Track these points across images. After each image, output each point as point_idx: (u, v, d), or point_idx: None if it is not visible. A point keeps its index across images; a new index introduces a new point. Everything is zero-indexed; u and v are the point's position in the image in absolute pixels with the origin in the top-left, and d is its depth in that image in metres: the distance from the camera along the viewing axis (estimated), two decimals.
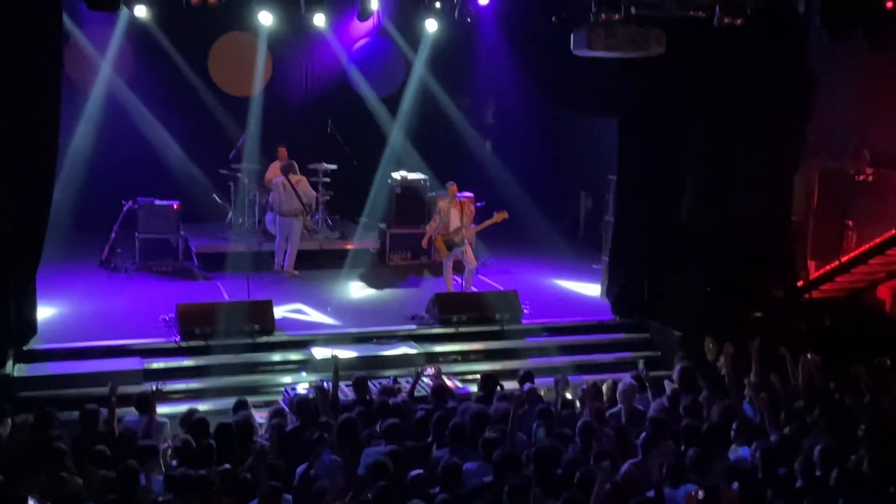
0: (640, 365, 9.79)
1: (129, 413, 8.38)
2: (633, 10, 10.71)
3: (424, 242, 13.18)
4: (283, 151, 14.51)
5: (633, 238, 12.51)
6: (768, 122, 11.84)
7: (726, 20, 10.91)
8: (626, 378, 9.05)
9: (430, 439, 7.71)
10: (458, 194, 13.24)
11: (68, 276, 12.83)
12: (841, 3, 9.36)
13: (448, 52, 15.47)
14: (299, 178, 13.77)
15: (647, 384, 9.04)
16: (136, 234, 13.76)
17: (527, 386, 8.97)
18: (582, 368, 11.29)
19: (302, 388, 9.70)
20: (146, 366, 10.48)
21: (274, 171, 14.58)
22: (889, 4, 9.74)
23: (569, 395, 9.11)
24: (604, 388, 8.94)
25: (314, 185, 14.58)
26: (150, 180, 14.37)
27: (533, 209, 15.22)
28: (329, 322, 11.94)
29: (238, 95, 14.86)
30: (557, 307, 12.93)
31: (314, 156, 14.84)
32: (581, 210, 16.95)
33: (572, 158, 16.84)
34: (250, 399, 8.89)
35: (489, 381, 9.28)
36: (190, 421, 7.85)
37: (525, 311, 12.30)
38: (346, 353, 10.90)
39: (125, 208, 13.73)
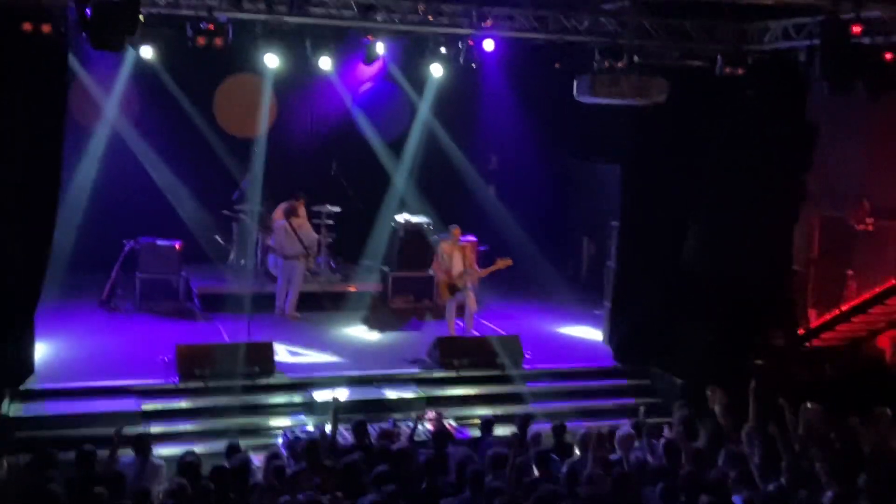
0: (641, 411, 9.78)
1: (125, 454, 8.37)
2: (635, 58, 10.89)
3: (441, 286, 13.01)
4: (301, 202, 14.40)
5: (636, 284, 12.57)
6: (769, 170, 11.97)
7: (727, 70, 11.10)
8: (624, 425, 9.02)
9: (424, 485, 7.70)
10: (461, 238, 13.30)
11: (68, 316, 12.88)
12: (841, 54, 9.51)
13: (453, 97, 15.62)
14: (301, 222, 13.88)
15: (644, 431, 9.02)
16: (137, 273, 13.83)
17: (529, 432, 8.96)
18: (583, 414, 11.31)
19: (301, 431, 9.71)
20: (143, 407, 10.50)
21: (281, 214, 14.71)
22: (888, 56, 9.89)
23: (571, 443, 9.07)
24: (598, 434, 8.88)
25: (317, 228, 14.67)
26: (153, 220, 14.44)
27: (536, 254, 15.27)
28: (330, 364, 11.96)
29: (243, 137, 14.99)
30: (559, 352, 12.97)
31: (318, 198, 14.97)
32: (584, 256, 17.01)
33: (576, 204, 16.95)
34: (249, 442, 8.88)
35: (489, 425, 9.28)
36: (184, 463, 7.85)
37: (527, 356, 12.34)
38: (344, 396, 10.92)
39: (126, 248, 13.82)
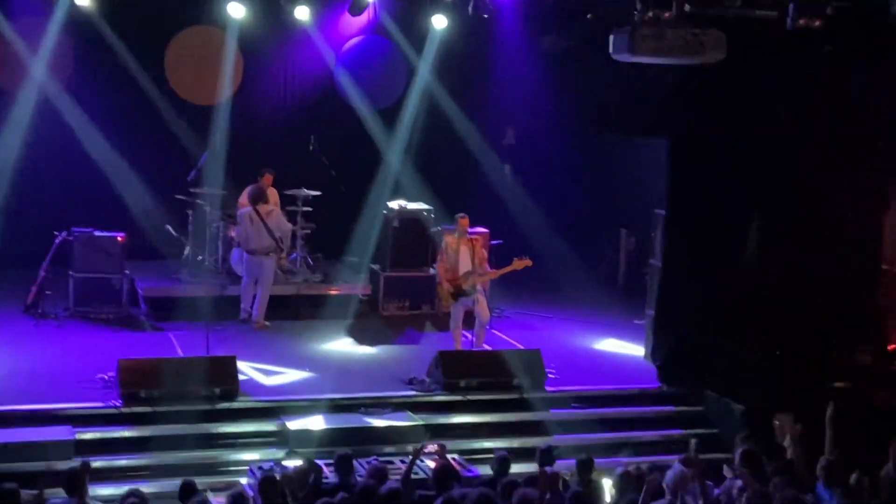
0: (692, 445, 9.75)
1: (56, 495, 8.34)
2: (686, 7, 10.81)
3: (444, 289, 13.00)
4: (268, 178, 14.53)
5: (686, 287, 12.54)
6: (853, 148, 11.90)
7: (801, 22, 11.01)
8: (675, 463, 8.97)
9: None
10: (470, 230, 13.29)
11: None
12: None
13: (459, 56, 15.63)
14: (271, 209, 13.86)
15: (699, 470, 8.97)
16: (71, 272, 13.81)
17: (550, 470, 8.91)
18: (619, 448, 11.29)
19: (271, 467, 9.65)
20: (78, 436, 10.45)
21: (246, 199, 14.66)
22: None
23: (606, 484, 9.04)
24: (646, 475, 8.85)
25: (292, 217, 14.65)
26: (90, 207, 14.47)
27: (562, 250, 15.32)
28: (306, 384, 11.93)
29: (201, 104, 14.98)
30: (590, 371, 12.95)
31: (293, 180, 14.93)
32: (621, 252, 16.98)
33: (611, 188, 16.95)
34: (207, 480, 8.85)
35: (504, 462, 9.24)
36: None
37: (550, 375, 12.34)
38: (325, 424, 10.90)
39: (57, 241, 13.79)
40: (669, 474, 8.56)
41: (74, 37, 14.28)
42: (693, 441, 10.05)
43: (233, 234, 13.99)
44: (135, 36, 14.61)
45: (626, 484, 8.54)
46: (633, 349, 13.81)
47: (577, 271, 15.37)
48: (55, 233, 13.86)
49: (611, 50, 10.60)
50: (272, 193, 14.67)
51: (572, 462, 9.32)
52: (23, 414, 10.66)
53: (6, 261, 13.93)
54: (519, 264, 12.74)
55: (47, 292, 13.72)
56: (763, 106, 11.90)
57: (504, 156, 17.08)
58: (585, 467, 9.07)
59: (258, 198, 13.80)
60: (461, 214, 12.96)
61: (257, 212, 13.65)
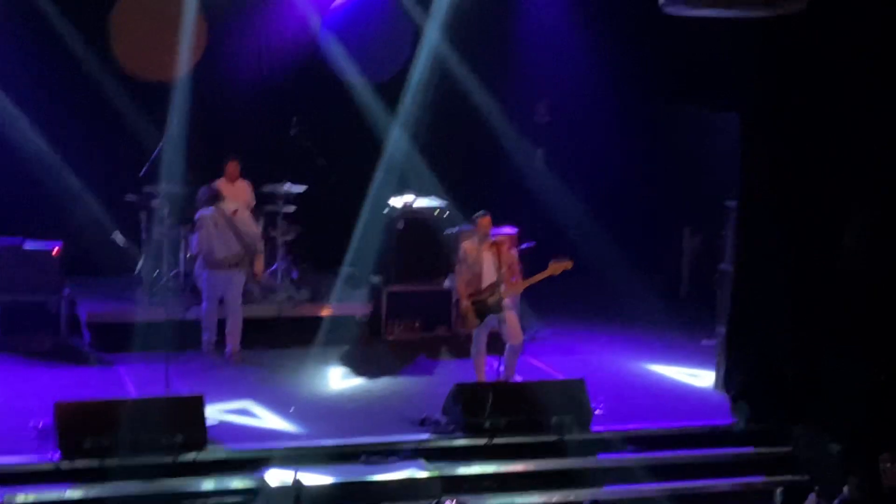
0: (778, 495, 9.73)
1: None
2: None
3: (464, 307, 12.98)
4: (233, 167, 14.64)
5: (766, 297, 12.52)
6: None
7: None
8: None
9: None
10: (494, 231, 13.26)
11: None
12: None
13: (477, 15, 15.60)
14: (235, 208, 13.81)
15: None
16: None
17: None
18: (686, 501, 11.34)
19: None
20: (7, 499, 10.43)
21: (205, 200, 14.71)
22: None
23: None
24: None
25: (271, 219, 14.65)
26: (17, 212, 14.51)
27: (610, 253, 15.30)
28: (292, 430, 11.93)
29: (154, 81, 14.98)
30: (648, 406, 12.94)
31: (271, 172, 14.98)
32: (685, 255, 17.03)
33: (671, 176, 16.94)
34: None
35: None
36: None
37: (597, 411, 12.31)
38: (317, 479, 10.87)
39: None
40: None
41: None
42: (779, 490, 10.02)
43: (191, 243, 13.90)
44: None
45: None
46: (701, 376, 13.83)
47: (629, 279, 15.33)
48: None
49: (661, 1, 10.55)
50: (241, 188, 14.70)
51: None
52: None
53: None
54: (556, 268, 12.70)
55: None
56: (861, 68, 11.83)
57: (536, 138, 17.07)
58: None
59: (214, 198, 13.71)
60: (481, 213, 12.92)
61: (222, 212, 13.62)
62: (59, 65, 15.01)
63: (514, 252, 13.20)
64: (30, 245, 13.95)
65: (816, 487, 10.17)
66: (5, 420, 11.67)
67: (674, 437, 12.31)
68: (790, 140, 12.27)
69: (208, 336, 13.84)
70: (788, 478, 11.64)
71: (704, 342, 14.22)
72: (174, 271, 14.73)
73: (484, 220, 12.89)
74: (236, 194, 14.70)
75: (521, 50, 16.83)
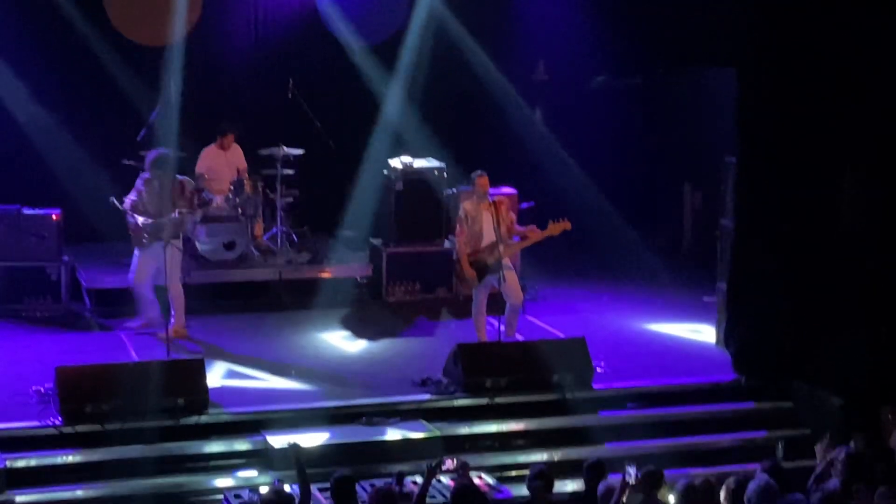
0: (779, 450, 9.74)
1: None
2: None
3: (464, 269, 12.90)
4: (231, 138, 14.68)
5: (766, 253, 12.51)
6: None
7: None
8: (757, 473, 8.97)
9: None
10: (492, 191, 13.26)
11: None
12: None
13: None
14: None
15: (788, 480, 8.97)
16: None
17: (602, 487, 8.92)
18: (687, 457, 11.28)
19: (250, 496, 9.71)
20: (9, 464, 10.47)
21: (209, 160, 14.76)
22: None
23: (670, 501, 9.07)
24: (722, 490, 8.88)
25: (270, 180, 14.72)
26: (14, 179, 14.48)
27: (609, 211, 15.35)
28: (293, 391, 11.96)
29: (149, 45, 14.94)
30: (649, 363, 12.93)
31: (268, 136, 14.95)
32: (685, 211, 17.00)
33: (670, 133, 16.90)
34: None
35: (543, 480, 9.25)
36: None
37: (598, 369, 12.34)
38: (318, 440, 10.91)
39: None
40: (752, 487, 8.55)
41: None
42: (780, 445, 10.04)
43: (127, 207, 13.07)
44: None
45: (693, 500, 8.53)
46: (703, 333, 13.83)
47: (629, 237, 15.38)
48: None
49: None
50: (236, 154, 14.67)
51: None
52: None
53: None
54: (555, 228, 12.72)
55: None
56: (860, 18, 11.77)
57: (534, 97, 17.02)
58: (652, 482, 9.07)
59: (164, 162, 13.12)
60: (478, 172, 12.93)
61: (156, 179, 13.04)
62: (55, 30, 14.95)
63: (512, 214, 13.16)
64: (29, 212, 13.95)
65: (782, 442, 10.14)
66: (7, 385, 11.73)
67: (675, 393, 12.33)
68: (788, 93, 12.16)
69: (151, 313, 13.22)
70: (789, 432, 11.65)
71: (706, 298, 14.18)
72: None
73: (482, 179, 12.89)
74: (228, 160, 14.69)
75: (518, 8, 16.72)
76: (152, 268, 12.93)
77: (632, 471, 8.72)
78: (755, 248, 12.63)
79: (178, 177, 13.22)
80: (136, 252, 13.02)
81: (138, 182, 13.06)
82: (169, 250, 12.68)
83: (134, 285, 13.10)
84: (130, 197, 12.99)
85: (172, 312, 12.89)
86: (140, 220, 12.84)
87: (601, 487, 8.96)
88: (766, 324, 12.50)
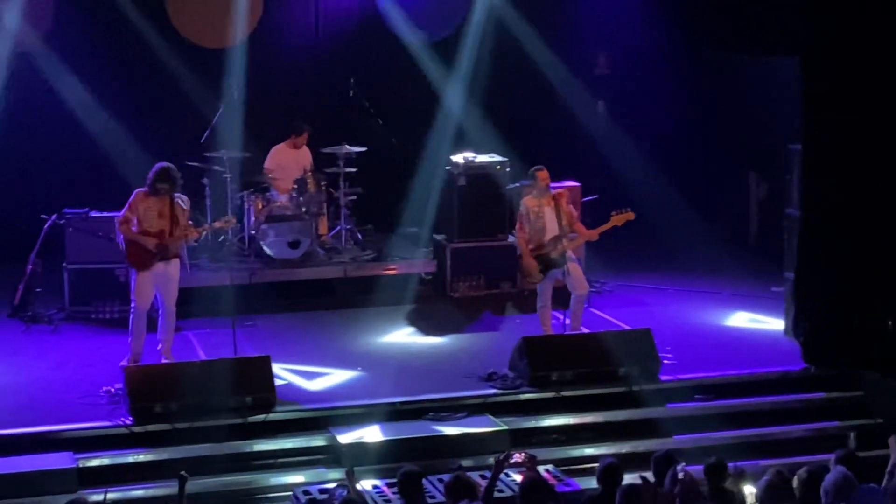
0: (851, 440, 9.64)
1: None
2: None
3: (527, 264, 12.81)
4: (305, 137, 14.82)
5: (834, 241, 12.43)
6: None
7: None
8: (832, 463, 8.87)
9: None
10: (555, 185, 13.24)
11: None
12: None
13: None
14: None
15: (862, 471, 8.86)
16: (65, 264, 13.98)
17: (672, 474, 8.84)
18: (756, 449, 11.22)
19: (319, 492, 9.76)
20: (81, 463, 10.59)
21: (279, 158, 14.87)
22: None
23: (748, 491, 8.98)
24: (794, 480, 8.79)
25: (333, 179, 14.80)
26: (83, 183, 14.70)
27: (674, 202, 15.32)
28: (360, 387, 12.01)
29: (212, 48, 15.06)
30: (717, 354, 12.90)
31: (331, 135, 15.01)
32: (751, 201, 16.88)
33: (735, 123, 16.79)
34: None
35: (613, 472, 9.19)
36: None
37: (666, 361, 12.32)
38: (385, 435, 10.98)
39: (46, 226, 13.97)
40: (829, 478, 8.46)
41: None
42: (852, 435, 9.94)
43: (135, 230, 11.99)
44: None
45: (776, 494, 8.44)
46: (771, 323, 13.76)
47: (695, 229, 15.26)
48: (43, 216, 14.00)
49: None
50: (304, 153, 14.76)
51: (698, 469, 9.27)
52: (13, 439, 10.77)
53: None
54: (619, 219, 12.68)
55: (37, 290, 13.95)
56: None
57: (595, 89, 16.99)
58: (716, 474, 8.99)
59: (168, 178, 11.97)
60: (538, 167, 12.90)
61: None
62: (120, 38, 15.10)
63: (571, 208, 13.12)
64: (97, 215, 14.01)
65: (854, 433, 10.04)
66: (78, 386, 11.84)
67: (743, 384, 12.28)
68: (852, 81, 12.09)
69: (139, 346, 12.21)
70: (861, 422, 11.58)
71: (774, 289, 14.14)
72: (238, 236, 14.83)
73: (542, 173, 12.86)
74: (297, 158, 14.79)
75: (579, 1, 16.72)
76: (154, 290, 12.09)
77: (679, 468, 8.67)
78: (822, 237, 12.55)
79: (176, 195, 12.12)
80: (134, 274, 12.04)
81: (133, 199, 11.98)
82: (175, 268, 12.08)
83: (139, 313, 12.04)
84: (125, 214, 11.96)
85: (165, 333, 12.18)
86: (150, 242, 11.86)
87: (674, 473, 8.90)
88: (835, 313, 12.44)
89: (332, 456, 11.04)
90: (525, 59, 15.89)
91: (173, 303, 12.15)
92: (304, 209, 14.49)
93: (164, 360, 12.11)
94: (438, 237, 15.10)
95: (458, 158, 15.08)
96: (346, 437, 11.00)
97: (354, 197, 15.09)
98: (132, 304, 12.10)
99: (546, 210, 12.82)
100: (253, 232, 14.66)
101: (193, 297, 13.58)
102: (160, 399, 11.10)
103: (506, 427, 11.33)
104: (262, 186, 14.64)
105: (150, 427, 11.02)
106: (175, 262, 12.06)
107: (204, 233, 13.09)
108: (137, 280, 12.01)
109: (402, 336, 13.64)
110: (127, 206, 12.01)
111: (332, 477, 10.62)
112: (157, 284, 12.02)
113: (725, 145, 16.99)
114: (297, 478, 10.76)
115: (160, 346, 12.19)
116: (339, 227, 14.97)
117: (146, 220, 11.91)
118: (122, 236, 12.05)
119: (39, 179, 15.11)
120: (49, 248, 14.02)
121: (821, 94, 12.40)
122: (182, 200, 12.12)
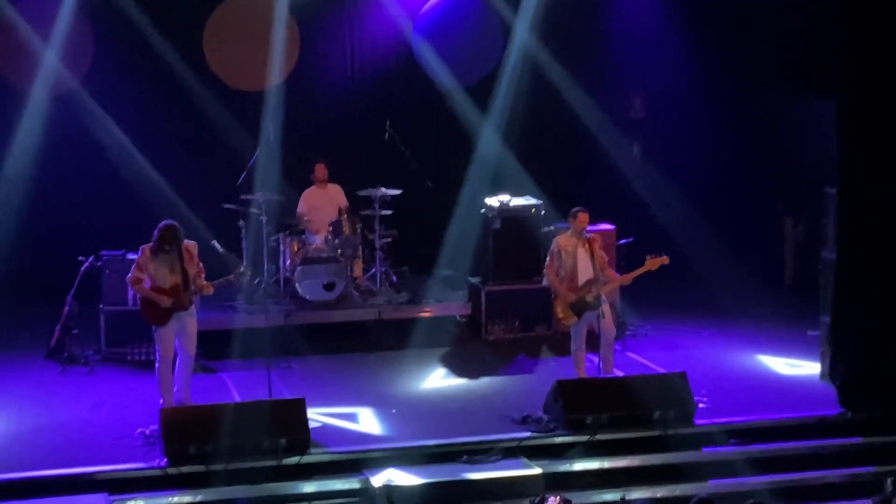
0: (888, 486, 9.62)
1: None
2: None
3: (561, 304, 12.78)
4: (320, 170, 14.90)
5: (870, 285, 12.37)
6: None
7: None
8: None
9: None
10: (590, 227, 13.24)
11: (1, 374, 13.19)
12: None
13: (568, 10, 15.58)
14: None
15: None
16: (101, 306, 14.09)
17: None
18: (792, 494, 11.21)
19: None
20: None
21: (310, 199, 14.93)
22: None
23: None
24: None
25: (368, 221, 14.85)
26: (119, 224, 14.70)
27: (710, 246, 15.23)
28: (394, 431, 12.00)
29: (248, 91, 15.18)
30: (752, 398, 12.83)
31: (366, 177, 15.11)
32: (787, 245, 16.85)
33: (771, 166, 16.80)
34: None
35: None
36: None
37: (700, 404, 12.27)
38: (419, 479, 10.95)
39: (83, 268, 14.04)
40: None
41: (92, 19, 14.56)
42: (889, 481, 9.86)
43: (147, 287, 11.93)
44: (166, 13, 14.88)
45: None
46: (807, 367, 13.70)
47: (730, 272, 15.27)
48: (80, 258, 14.08)
49: None
50: (333, 191, 14.83)
51: None
52: (49, 480, 10.78)
53: (22, 293, 14.20)
54: (653, 263, 12.65)
55: (74, 331, 14.00)
56: None
57: (631, 132, 17.04)
58: None
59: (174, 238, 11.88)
60: (580, 208, 12.84)
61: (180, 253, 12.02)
62: (157, 81, 15.28)
63: (604, 249, 13.10)
64: (133, 256, 14.03)
65: (892, 478, 9.96)
66: (113, 428, 11.89)
67: (779, 428, 12.18)
68: (887, 125, 12.09)
69: (171, 398, 12.18)
70: None
71: (810, 332, 14.07)
72: (273, 278, 14.89)
73: (583, 214, 12.82)
74: (330, 198, 14.86)
75: (613, 45, 16.78)
76: (175, 340, 12.03)
77: None
78: (858, 280, 12.49)
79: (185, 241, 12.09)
80: (156, 331, 11.97)
81: (141, 257, 11.94)
82: (192, 318, 12.10)
83: (164, 366, 12.01)
84: (135, 274, 11.94)
85: (182, 379, 12.10)
86: (166, 301, 11.82)
87: None
88: (872, 356, 12.38)
89: (365, 499, 11.00)
90: (560, 102, 15.95)
91: (193, 349, 12.17)
92: (339, 251, 14.56)
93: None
94: (473, 280, 15.12)
95: (492, 201, 15.10)
96: (379, 480, 10.95)
97: (389, 239, 15.13)
98: (156, 358, 12.08)
99: (580, 252, 12.79)
100: (288, 274, 14.74)
101: (229, 339, 13.69)
102: (195, 440, 11.09)
103: (540, 470, 11.26)
104: (298, 229, 14.71)
105: (185, 469, 11.01)
106: (192, 311, 12.10)
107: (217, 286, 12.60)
108: (157, 335, 12.03)
109: (437, 378, 13.64)
110: (135, 265, 12.01)
111: None
112: (177, 334, 12.06)
113: (761, 188, 16.97)
114: None
115: (176, 389, 12.11)
116: (374, 270, 15.02)
117: (158, 276, 11.90)
118: (132, 293, 11.98)
119: (77, 221, 15.20)
120: (86, 290, 14.11)
121: (857, 136, 12.39)
122: (189, 248, 12.10)
